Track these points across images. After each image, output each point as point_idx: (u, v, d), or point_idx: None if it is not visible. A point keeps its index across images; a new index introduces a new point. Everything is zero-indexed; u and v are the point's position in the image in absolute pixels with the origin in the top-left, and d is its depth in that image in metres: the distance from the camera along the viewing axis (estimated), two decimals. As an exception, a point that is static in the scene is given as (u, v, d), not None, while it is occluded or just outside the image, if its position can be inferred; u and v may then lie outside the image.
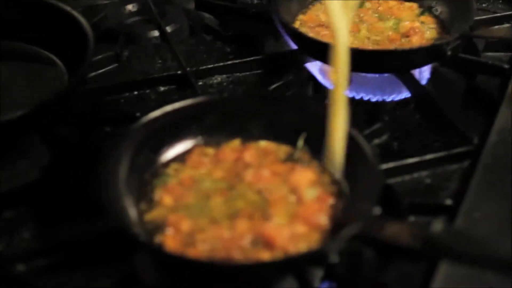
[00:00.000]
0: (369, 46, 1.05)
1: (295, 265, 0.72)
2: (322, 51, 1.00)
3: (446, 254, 0.68)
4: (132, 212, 0.76)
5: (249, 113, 0.85)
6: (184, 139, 0.85)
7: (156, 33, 1.17)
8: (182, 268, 0.72)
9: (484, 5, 1.24)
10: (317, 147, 0.81)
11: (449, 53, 1.01)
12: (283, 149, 0.84)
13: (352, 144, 0.80)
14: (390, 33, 1.08)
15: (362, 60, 0.99)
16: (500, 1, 1.24)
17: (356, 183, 0.79)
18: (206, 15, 1.21)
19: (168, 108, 0.85)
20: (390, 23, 1.10)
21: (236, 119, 0.85)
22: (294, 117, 0.85)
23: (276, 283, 0.74)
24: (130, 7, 1.24)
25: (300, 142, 0.84)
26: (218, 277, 0.71)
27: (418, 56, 1.00)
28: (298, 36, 1.04)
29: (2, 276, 0.77)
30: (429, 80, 1.06)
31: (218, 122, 0.86)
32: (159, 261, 0.75)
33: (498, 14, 1.17)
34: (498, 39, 1.06)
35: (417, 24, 1.09)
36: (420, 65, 1.03)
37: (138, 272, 0.76)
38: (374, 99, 1.02)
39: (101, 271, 0.77)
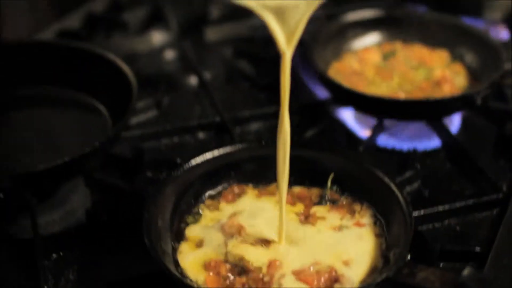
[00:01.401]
0: (401, 95, 1.08)
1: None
2: (356, 100, 1.05)
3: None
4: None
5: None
6: (222, 183, 0.89)
7: (194, 80, 1.21)
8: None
9: None
10: (345, 185, 0.87)
11: (479, 102, 1.03)
12: (314, 192, 0.88)
13: (387, 192, 0.83)
14: (422, 81, 1.11)
15: (394, 109, 1.03)
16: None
17: (390, 229, 0.82)
18: (243, 63, 1.25)
19: (208, 155, 0.89)
20: (422, 72, 1.14)
21: (271, 166, 0.89)
22: (324, 162, 0.89)
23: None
24: (170, 54, 1.28)
25: (329, 183, 0.88)
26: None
27: (449, 105, 1.04)
28: (333, 86, 1.07)
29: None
30: (460, 128, 1.09)
31: (255, 168, 0.89)
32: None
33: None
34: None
35: (447, 72, 1.13)
36: (450, 113, 1.06)
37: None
38: (405, 148, 1.04)
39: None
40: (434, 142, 1.06)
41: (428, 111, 1.04)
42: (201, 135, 1.09)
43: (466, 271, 0.70)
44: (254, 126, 1.10)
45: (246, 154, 0.91)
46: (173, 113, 1.14)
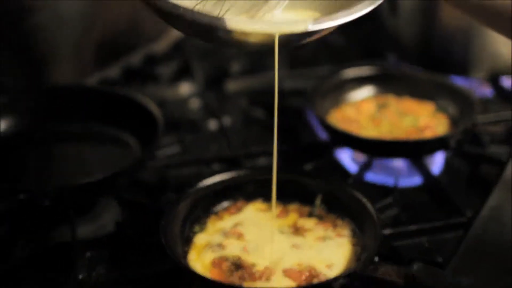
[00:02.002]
0: (389, 137, 1.27)
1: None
2: (351, 142, 1.23)
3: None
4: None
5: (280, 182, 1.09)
6: (227, 200, 1.08)
7: (214, 124, 1.41)
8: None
9: (495, 107, 1.44)
10: (331, 205, 1.06)
11: (453, 144, 1.21)
12: (305, 209, 1.07)
13: (364, 211, 1.02)
14: (408, 128, 1.30)
15: (379, 148, 1.22)
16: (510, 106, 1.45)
17: (364, 239, 1.00)
18: (258, 110, 1.44)
19: (217, 177, 1.09)
20: (409, 120, 1.32)
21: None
22: (314, 186, 1.08)
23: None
24: (194, 102, 1.49)
25: (318, 201, 1.06)
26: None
27: (426, 145, 1.22)
28: (331, 129, 1.26)
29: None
30: (441, 168, 1.26)
31: (256, 189, 1.09)
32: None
33: (501, 117, 1.37)
34: (492, 132, 1.27)
35: (431, 121, 1.31)
36: (428, 153, 1.24)
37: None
38: (389, 183, 1.22)
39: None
40: (416, 180, 1.24)
41: (408, 150, 1.22)
42: (216, 166, 1.27)
43: (416, 265, 0.88)
44: (262, 160, 1.29)
45: (248, 177, 1.10)
46: (194, 149, 1.33)
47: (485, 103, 1.44)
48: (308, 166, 1.25)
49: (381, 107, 1.36)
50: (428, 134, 1.27)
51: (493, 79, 1.50)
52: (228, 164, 1.27)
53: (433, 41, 1.48)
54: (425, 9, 1.46)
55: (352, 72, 1.40)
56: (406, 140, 1.24)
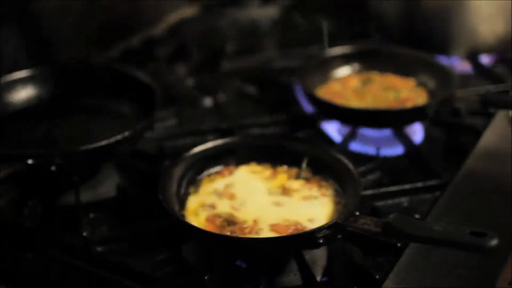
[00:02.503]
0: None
1: (294, 243, 1.01)
2: (336, 113, 1.32)
3: (397, 234, 0.95)
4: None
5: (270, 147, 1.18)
6: (220, 164, 1.17)
7: (210, 100, 1.49)
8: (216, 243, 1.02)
9: (473, 82, 1.53)
10: (316, 167, 1.14)
11: (431, 114, 1.30)
12: (293, 171, 1.16)
13: (346, 172, 1.10)
14: (391, 101, 1.38)
15: (362, 117, 1.31)
16: (487, 82, 1.53)
17: (346, 197, 1.09)
18: (250, 87, 1.53)
19: (210, 143, 1.17)
20: (391, 93, 1.41)
21: (261, 152, 1.17)
22: (302, 149, 1.17)
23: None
24: (191, 81, 1.58)
25: (304, 164, 1.14)
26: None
27: (406, 115, 1.30)
28: (317, 101, 1.35)
29: (86, 253, 1.07)
30: (422, 138, 1.35)
31: (247, 153, 1.17)
32: (198, 239, 1.05)
33: (478, 90, 1.46)
34: (469, 104, 1.35)
35: (412, 94, 1.40)
36: (409, 123, 1.33)
37: (183, 254, 1.06)
38: (372, 152, 1.30)
39: (157, 251, 1.07)
40: (398, 149, 1.32)
41: (389, 119, 1.31)
42: (210, 137, 1.36)
43: (392, 215, 0.96)
44: (254, 131, 1.37)
45: (240, 143, 1.19)
46: (190, 122, 1.41)
47: (464, 79, 1.53)
48: (298, 136, 1.33)
49: (366, 82, 1.44)
50: (409, 105, 1.35)
51: (472, 57, 1.58)
52: (222, 134, 1.35)
53: (415, 21, 1.57)
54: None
55: (338, 50, 1.48)
56: (388, 110, 1.32)
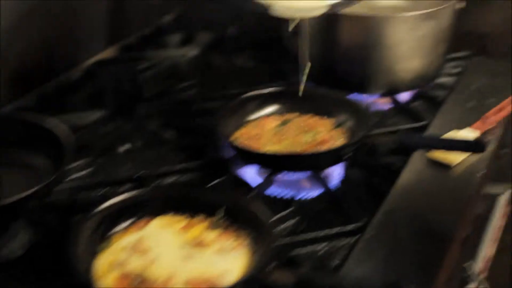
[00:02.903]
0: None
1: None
2: (252, 158, 1.30)
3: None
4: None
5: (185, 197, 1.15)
6: (133, 217, 1.13)
7: (125, 146, 1.46)
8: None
9: (391, 121, 1.53)
10: (233, 217, 1.12)
11: (348, 156, 1.29)
12: (209, 221, 1.13)
13: (261, 223, 1.09)
14: (308, 143, 1.37)
15: (282, 162, 1.29)
16: (404, 118, 1.54)
17: (261, 248, 1.06)
18: (167, 132, 1.50)
19: (121, 196, 1.14)
20: (309, 135, 1.39)
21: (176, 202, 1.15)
22: (217, 197, 1.15)
23: None
24: (107, 127, 1.54)
25: (220, 214, 1.13)
26: None
27: (322, 158, 1.29)
28: (234, 146, 1.33)
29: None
30: (341, 179, 1.34)
31: (161, 204, 1.14)
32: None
33: (394, 128, 1.46)
34: (386, 143, 1.35)
35: (330, 135, 1.39)
36: (327, 165, 1.31)
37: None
38: (289, 195, 1.28)
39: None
40: (316, 191, 1.31)
41: (305, 163, 1.30)
42: (125, 187, 1.32)
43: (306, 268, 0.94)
44: (170, 179, 1.34)
45: (152, 194, 1.16)
46: (104, 171, 1.38)
47: (384, 117, 1.53)
48: (214, 183, 1.31)
49: (283, 124, 1.43)
50: (325, 147, 1.34)
51: (391, 95, 1.59)
52: (137, 185, 1.31)
53: (333, 61, 1.56)
54: (324, 31, 1.54)
55: (256, 92, 1.47)
56: (302, 154, 1.31)
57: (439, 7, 1.52)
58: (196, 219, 1.14)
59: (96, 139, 1.50)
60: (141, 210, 1.15)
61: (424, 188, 1.28)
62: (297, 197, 1.27)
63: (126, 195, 1.15)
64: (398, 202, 1.24)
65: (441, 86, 1.65)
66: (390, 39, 1.51)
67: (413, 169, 1.32)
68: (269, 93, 1.48)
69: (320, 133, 1.40)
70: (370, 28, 1.51)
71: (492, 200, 1.46)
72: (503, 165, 1.56)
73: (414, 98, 1.61)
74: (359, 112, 1.41)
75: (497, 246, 1.45)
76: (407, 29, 1.50)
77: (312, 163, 1.29)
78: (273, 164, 1.30)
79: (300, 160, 1.29)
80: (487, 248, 1.34)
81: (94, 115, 1.57)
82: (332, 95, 1.48)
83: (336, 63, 1.57)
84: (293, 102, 1.47)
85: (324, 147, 1.34)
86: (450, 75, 1.69)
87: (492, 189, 1.41)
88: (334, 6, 1.31)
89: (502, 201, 1.44)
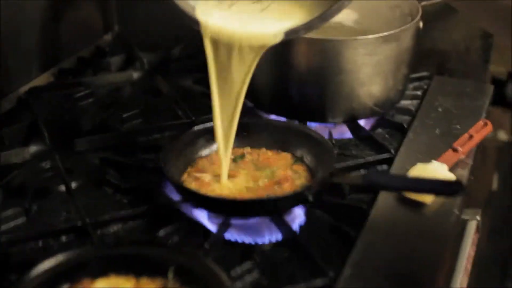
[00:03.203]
0: (245, 194, 1.21)
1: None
2: (204, 203, 1.17)
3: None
4: None
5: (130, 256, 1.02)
6: (71, 281, 1.00)
7: (64, 188, 1.31)
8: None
9: (353, 152, 1.42)
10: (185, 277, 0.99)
11: (311, 198, 1.17)
12: (158, 282, 1.00)
13: (218, 282, 0.96)
14: (265, 182, 1.25)
15: (237, 208, 1.16)
16: (368, 148, 1.42)
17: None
18: (109, 170, 1.36)
19: (60, 256, 1.00)
20: (266, 172, 1.27)
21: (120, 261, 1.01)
22: (166, 255, 1.02)
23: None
24: (43, 165, 1.39)
25: (170, 274, 1.00)
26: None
27: (283, 202, 1.17)
28: (182, 190, 1.20)
29: None
30: (303, 221, 1.21)
31: (103, 264, 1.01)
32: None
33: (358, 162, 1.35)
34: (352, 184, 1.23)
35: (289, 172, 1.27)
36: (288, 209, 1.19)
37: None
38: (249, 241, 1.16)
39: None
40: (277, 236, 1.18)
41: (264, 208, 1.17)
42: (64, 239, 1.18)
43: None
44: (114, 228, 1.21)
45: (96, 252, 1.02)
46: (41, 219, 1.23)
47: (344, 148, 1.41)
48: (165, 230, 1.18)
49: (237, 160, 1.30)
50: (286, 187, 1.22)
51: (351, 122, 1.47)
52: (78, 235, 1.18)
53: (288, 88, 1.44)
54: (278, 54, 1.41)
55: (203, 126, 1.34)
56: (260, 199, 1.19)
57: (400, 28, 1.41)
58: (143, 280, 1.01)
59: (31, 178, 1.35)
60: (82, 270, 1.01)
61: (397, 231, 1.17)
62: (256, 243, 1.15)
63: (65, 254, 1.01)
64: (368, 250, 1.13)
65: (404, 111, 1.54)
66: (349, 63, 1.39)
67: (383, 208, 1.21)
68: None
69: (278, 169, 1.28)
70: (328, 52, 1.39)
71: (463, 226, 1.35)
72: (472, 190, 1.46)
73: (376, 125, 1.49)
74: (319, 145, 1.30)
75: (469, 278, 1.34)
76: (366, 52, 1.38)
77: (271, 207, 1.17)
78: (227, 209, 1.18)
79: (257, 205, 1.17)
80: (461, 280, 1.23)
81: (29, 151, 1.42)
82: (289, 126, 1.37)
83: (291, 90, 1.44)
84: (246, 135, 1.34)
85: (284, 186, 1.22)
86: (412, 97, 1.58)
87: (462, 214, 1.30)
88: (289, 33, 1.18)
89: (472, 227, 1.34)
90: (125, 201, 1.28)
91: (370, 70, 1.41)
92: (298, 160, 1.31)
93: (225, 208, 1.17)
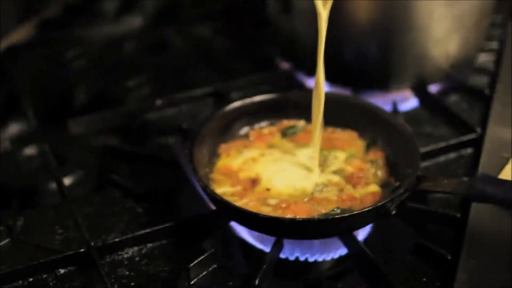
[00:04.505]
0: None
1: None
2: (242, 217, 0.87)
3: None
4: None
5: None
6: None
7: (55, 187, 1.01)
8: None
9: (427, 129, 1.12)
10: None
11: (393, 211, 0.87)
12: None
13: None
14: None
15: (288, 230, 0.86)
16: (444, 123, 1.12)
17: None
18: (115, 164, 1.05)
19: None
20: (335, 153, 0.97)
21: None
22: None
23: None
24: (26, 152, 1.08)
25: None
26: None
27: (361, 219, 0.86)
28: (219, 202, 0.89)
29: None
30: (373, 234, 0.92)
31: None
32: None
33: (439, 146, 1.05)
34: (446, 194, 0.92)
35: (364, 165, 0.96)
36: (363, 225, 0.89)
37: None
38: (311, 259, 0.89)
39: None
40: (341, 251, 0.90)
41: (332, 229, 0.87)
42: (62, 271, 0.88)
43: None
44: (128, 253, 0.90)
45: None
46: (29, 241, 0.92)
47: (412, 122, 1.08)
48: (198, 258, 0.87)
49: (286, 135, 1.01)
50: (359, 189, 0.91)
51: (420, 89, 1.16)
52: (80, 265, 0.89)
53: (345, 51, 1.13)
54: (333, 11, 1.08)
55: (241, 103, 1.02)
56: (328, 219, 0.86)
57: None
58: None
59: (11, 174, 1.05)
60: None
61: (498, 245, 0.87)
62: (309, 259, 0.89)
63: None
64: (474, 279, 0.83)
65: (480, 70, 1.23)
66: (423, 18, 1.09)
67: (483, 217, 0.91)
68: (259, 102, 1.04)
69: (349, 157, 0.97)
70: (395, 5, 1.08)
71: None
72: None
73: (449, 91, 1.19)
74: (398, 136, 0.97)
75: None
76: (446, 2, 1.06)
77: (341, 228, 0.86)
78: (280, 232, 0.87)
79: (324, 226, 0.86)
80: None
81: (5, 135, 1.11)
82: (352, 101, 1.05)
83: (349, 53, 1.13)
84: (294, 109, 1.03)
85: (360, 185, 0.91)
86: (487, 51, 1.27)
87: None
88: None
89: None
90: (140, 210, 0.97)
91: (448, 24, 1.09)
92: (372, 144, 0.99)
93: (276, 230, 0.87)
